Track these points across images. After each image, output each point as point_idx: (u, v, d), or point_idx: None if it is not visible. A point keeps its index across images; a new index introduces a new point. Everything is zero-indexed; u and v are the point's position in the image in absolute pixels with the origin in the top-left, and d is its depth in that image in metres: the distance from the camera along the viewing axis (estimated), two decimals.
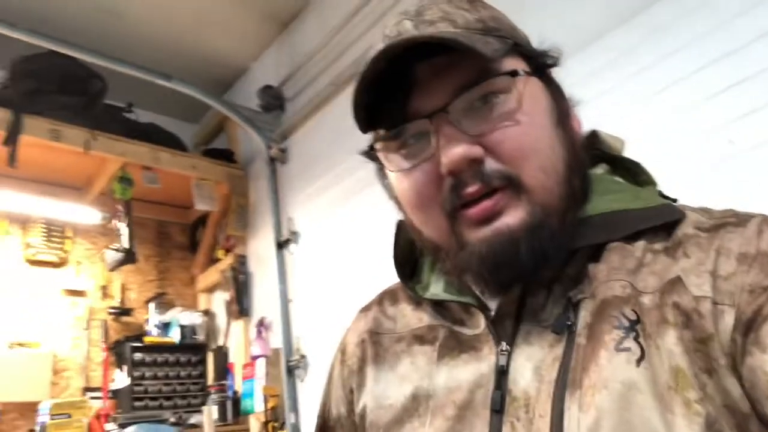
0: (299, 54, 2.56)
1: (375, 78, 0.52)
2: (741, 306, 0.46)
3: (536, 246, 0.51)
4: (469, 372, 0.56)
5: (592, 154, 0.61)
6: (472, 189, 0.52)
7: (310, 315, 2.29)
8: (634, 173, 0.62)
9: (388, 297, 0.71)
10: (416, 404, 0.59)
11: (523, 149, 0.52)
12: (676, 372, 0.46)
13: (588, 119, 0.62)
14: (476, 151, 0.51)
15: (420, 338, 0.63)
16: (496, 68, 0.52)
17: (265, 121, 2.61)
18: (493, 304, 0.58)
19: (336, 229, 2.20)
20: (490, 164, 0.52)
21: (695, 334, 0.47)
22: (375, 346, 0.67)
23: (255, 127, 2.56)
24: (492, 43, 0.52)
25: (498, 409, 0.52)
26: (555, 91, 0.58)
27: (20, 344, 2.48)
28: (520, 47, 0.56)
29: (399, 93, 0.53)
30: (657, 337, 0.48)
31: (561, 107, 0.57)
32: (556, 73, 0.61)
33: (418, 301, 0.66)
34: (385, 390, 0.63)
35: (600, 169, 0.63)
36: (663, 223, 0.54)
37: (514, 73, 0.52)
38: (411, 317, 0.66)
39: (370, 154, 0.58)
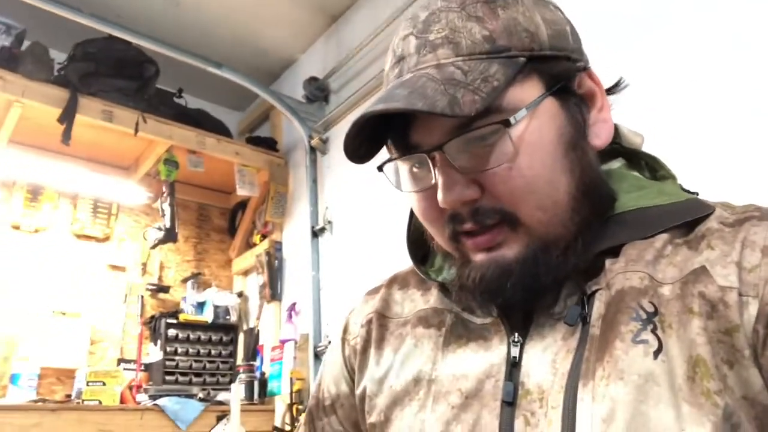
0: (346, 48, 2.61)
1: (366, 125, 0.52)
2: (764, 298, 0.46)
3: (528, 278, 0.52)
4: (478, 361, 0.56)
5: (609, 148, 0.60)
6: (467, 226, 0.53)
7: (339, 303, 2.33)
8: (652, 168, 0.62)
9: (398, 281, 0.72)
10: (418, 388, 0.59)
11: (518, 192, 0.51)
12: (697, 362, 0.46)
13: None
14: (470, 193, 0.52)
15: (425, 320, 0.63)
16: (496, 105, 0.50)
17: (309, 111, 2.67)
18: None
19: (369, 220, 2.24)
20: (487, 202, 0.52)
21: (720, 325, 0.47)
22: (381, 328, 0.67)
23: (298, 117, 2.62)
24: (487, 82, 0.49)
25: (510, 401, 0.52)
26: (575, 106, 0.55)
27: (62, 313, 2.59)
28: (537, 64, 0.52)
29: (401, 123, 0.54)
30: (679, 327, 0.48)
31: (578, 126, 0.55)
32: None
33: (427, 287, 0.67)
34: (387, 372, 0.63)
35: (616, 164, 0.62)
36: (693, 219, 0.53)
37: (506, 123, 0.50)
38: (419, 301, 0.66)
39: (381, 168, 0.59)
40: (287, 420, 2.31)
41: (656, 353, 0.47)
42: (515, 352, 0.54)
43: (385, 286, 0.72)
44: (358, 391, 0.67)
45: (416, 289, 0.68)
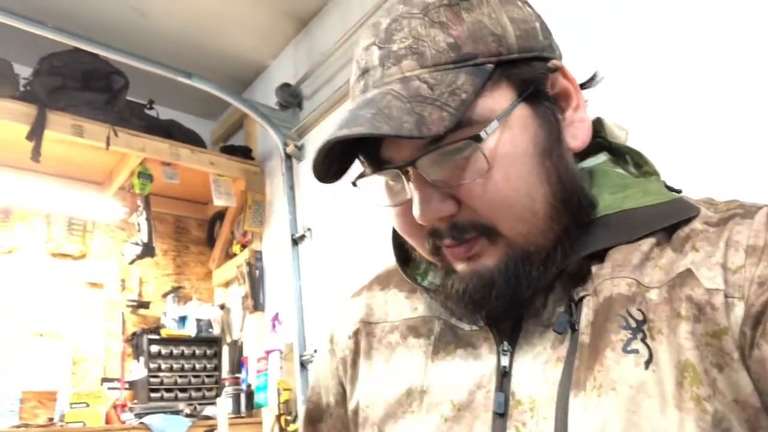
0: (317, 53, 2.59)
1: (331, 150, 0.50)
2: (750, 299, 0.46)
3: (511, 287, 0.51)
4: (468, 371, 0.55)
5: (593, 142, 0.59)
6: (446, 242, 0.52)
7: (323, 310, 2.32)
8: (636, 164, 0.61)
9: (378, 281, 0.70)
10: (410, 399, 0.58)
11: (496, 205, 0.50)
12: (685, 367, 0.46)
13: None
14: (447, 208, 0.51)
15: (414, 330, 0.62)
16: (466, 117, 0.48)
17: (282, 118, 2.65)
18: None
19: (349, 225, 2.22)
20: (463, 215, 0.51)
21: (708, 328, 0.47)
22: (368, 337, 0.66)
23: (272, 125, 2.60)
24: (455, 95, 0.48)
25: (502, 412, 0.51)
26: (548, 109, 0.53)
27: (41, 334, 2.53)
28: (507, 69, 0.51)
29: (371, 139, 0.52)
30: (669, 333, 0.48)
31: (553, 131, 0.53)
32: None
33: (411, 289, 0.65)
34: (379, 384, 0.62)
35: (601, 157, 0.61)
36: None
37: (477, 138, 0.48)
38: (404, 305, 0.65)
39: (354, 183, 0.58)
40: (276, 431, 2.29)
41: (647, 363, 0.47)
42: (505, 361, 0.54)
43: (366, 287, 0.71)
44: (351, 405, 0.66)
45: (397, 289, 0.67)
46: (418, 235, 0.55)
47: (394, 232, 0.66)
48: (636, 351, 0.48)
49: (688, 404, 0.44)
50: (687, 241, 0.51)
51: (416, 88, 0.48)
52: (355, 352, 0.66)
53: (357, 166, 0.57)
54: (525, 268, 0.51)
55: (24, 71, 2.45)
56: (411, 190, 0.51)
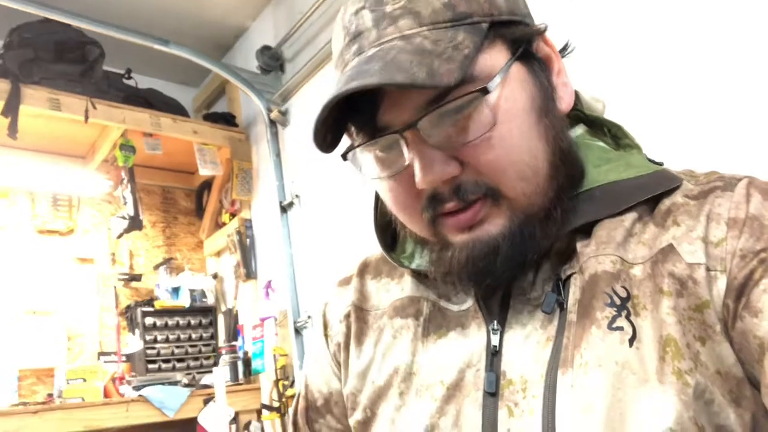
0: (297, 12, 2.51)
1: (334, 108, 0.48)
2: (732, 271, 0.46)
3: (516, 252, 0.50)
4: (458, 350, 0.55)
5: (572, 114, 0.58)
6: (450, 205, 0.50)
7: (315, 276, 2.31)
8: (615, 136, 0.60)
9: (369, 270, 0.69)
10: (399, 381, 0.58)
11: (500, 162, 0.49)
12: (667, 341, 0.46)
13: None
14: (450, 170, 0.49)
15: (401, 310, 0.61)
16: (469, 74, 0.48)
17: (264, 83, 2.58)
18: None
19: (337, 191, 2.20)
20: (467, 176, 0.50)
21: (690, 302, 0.47)
22: (359, 322, 0.65)
23: (254, 90, 2.53)
24: (458, 50, 0.47)
25: (493, 391, 0.51)
26: (540, 71, 0.54)
27: (33, 312, 2.53)
28: (500, 29, 0.51)
29: (367, 105, 0.50)
30: (653, 309, 0.48)
31: (546, 91, 0.53)
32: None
33: (399, 273, 0.65)
34: (368, 366, 0.62)
35: (578, 130, 0.60)
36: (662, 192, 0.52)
37: (484, 91, 0.48)
38: (393, 290, 0.64)
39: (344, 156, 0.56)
40: (274, 396, 2.32)
41: (631, 341, 0.47)
42: (495, 340, 0.53)
43: (356, 275, 0.69)
44: (344, 390, 0.65)
45: (389, 278, 0.66)
46: (414, 207, 0.53)
47: (376, 215, 0.65)
48: (621, 328, 0.48)
49: (669, 378, 0.45)
50: (668, 215, 0.51)
51: (419, 43, 0.47)
52: (347, 335, 0.66)
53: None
54: (528, 231, 0.51)
55: None
56: (411, 155, 0.50)
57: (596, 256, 0.51)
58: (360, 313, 0.65)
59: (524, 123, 0.50)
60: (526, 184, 0.50)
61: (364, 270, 0.70)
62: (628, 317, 0.48)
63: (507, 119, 0.49)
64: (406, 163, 0.50)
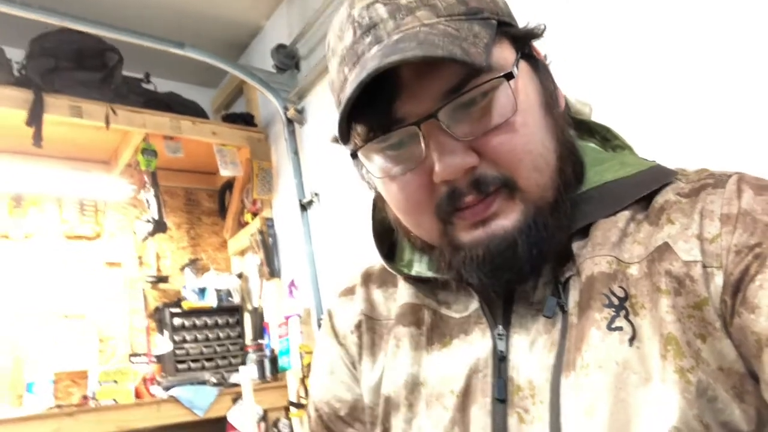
0: (310, 9, 2.49)
1: (356, 101, 0.47)
2: (728, 267, 0.46)
3: (533, 245, 0.50)
4: (463, 358, 0.54)
5: None
6: (469, 198, 0.50)
7: (336, 273, 2.31)
8: (604, 138, 0.60)
9: (374, 280, 0.68)
10: (408, 393, 0.57)
11: (518, 153, 0.50)
12: (668, 340, 0.46)
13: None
14: (471, 160, 0.49)
15: (402, 318, 0.60)
16: (488, 63, 0.47)
17: (281, 81, 2.58)
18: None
19: (355, 188, 2.18)
20: (485, 169, 0.49)
21: (689, 300, 0.47)
22: (370, 332, 0.64)
23: (270, 89, 2.54)
24: (478, 39, 0.48)
25: (503, 398, 0.51)
26: (542, 70, 0.55)
27: (66, 316, 2.59)
28: (504, 28, 0.52)
29: (381, 96, 0.49)
30: (652, 307, 0.48)
31: (548, 89, 0.54)
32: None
33: (397, 282, 0.64)
34: (380, 379, 0.61)
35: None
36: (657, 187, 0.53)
37: (509, 76, 0.48)
38: (398, 299, 0.63)
39: (354, 154, 0.55)
40: (301, 393, 2.34)
41: (631, 340, 0.47)
42: (502, 346, 0.53)
43: (360, 284, 0.68)
44: (362, 402, 0.64)
45: (395, 287, 0.65)
46: (426, 205, 0.52)
47: (375, 225, 0.64)
48: (620, 328, 0.48)
49: (672, 377, 0.45)
50: (662, 213, 0.51)
51: (444, 30, 0.48)
52: (359, 346, 0.64)
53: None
54: (541, 222, 0.51)
55: (16, 55, 2.42)
56: (429, 147, 0.49)
57: (592, 257, 0.52)
58: (370, 323, 0.64)
59: (537, 115, 0.51)
60: (539, 175, 0.50)
61: (368, 279, 0.68)
62: (627, 317, 0.48)
63: (522, 110, 0.50)
64: (423, 155, 0.49)
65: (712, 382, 0.45)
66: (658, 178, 0.53)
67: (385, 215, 0.64)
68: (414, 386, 0.57)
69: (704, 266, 0.47)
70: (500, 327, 0.54)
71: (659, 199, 0.52)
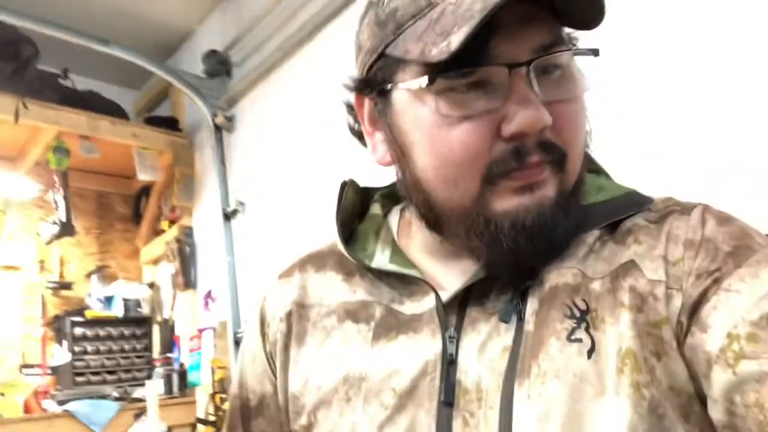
0: (246, 17, 2.47)
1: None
2: (687, 290, 0.47)
3: (569, 222, 0.50)
4: (411, 357, 0.53)
5: None
6: (535, 158, 0.48)
7: (257, 286, 2.25)
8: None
9: (312, 262, 0.66)
10: (346, 387, 0.56)
11: (577, 130, 0.50)
12: (626, 354, 0.47)
13: None
14: (548, 119, 0.47)
15: (353, 314, 0.59)
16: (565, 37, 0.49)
17: (210, 87, 2.52)
18: (447, 283, 0.55)
19: (282, 199, 2.16)
20: (550, 135, 0.49)
21: (649, 318, 0.48)
22: (301, 321, 0.62)
23: (199, 94, 2.47)
24: None
25: (450, 401, 0.50)
26: None
27: None
28: None
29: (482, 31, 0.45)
30: (613, 322, 0.48)
31: None
32: None
33: (349, 271, 0.62)
34: (312, 370, 0.59)
35: None
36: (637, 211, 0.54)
37: (596, 52, 0.50)
38: (340, 289, 0.62)
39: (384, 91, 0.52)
40: (210, 410, 2.24)
41: (590, 353, 0.48)
42: (451, 348, 0.52)
43: (298, 268, 0.66)
44: (281, 394, 0.62)
45: (334, 271, 0.63)
46: (479, 159, 0.48)
47: (339, 211, 0.62)
48: (580, 340, 0.48)
49: (626, 390, 0.46)
50: (629, 234, 0.53)
51: None
52: (287, 336, 0.62)
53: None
54: (571, 204, 0.51)
55: None
56: (510, 98, 0.47)
57: (559, 268, 0.52)
58: (301, 311, 0.62)
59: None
60: (579, 160, 0.51)
61: (306, 262, 0.67)
62: (587, 329, 0.49)
63: (582, 91, 0.51)
64: (499, 103, 0.47)
65: (663, 401, 0.46)
66: (631, 206, 0.54)
67: (353, 200, 0.63)
68: (355, 380, 0.55)
69: (667, 287, 0.48)
70: (452, 329, 0.53)
71: (627, 223, 0.54)
